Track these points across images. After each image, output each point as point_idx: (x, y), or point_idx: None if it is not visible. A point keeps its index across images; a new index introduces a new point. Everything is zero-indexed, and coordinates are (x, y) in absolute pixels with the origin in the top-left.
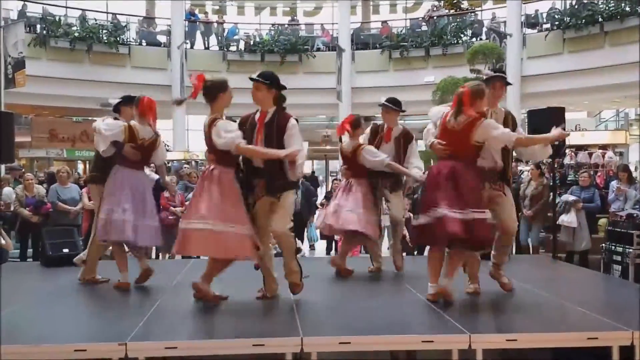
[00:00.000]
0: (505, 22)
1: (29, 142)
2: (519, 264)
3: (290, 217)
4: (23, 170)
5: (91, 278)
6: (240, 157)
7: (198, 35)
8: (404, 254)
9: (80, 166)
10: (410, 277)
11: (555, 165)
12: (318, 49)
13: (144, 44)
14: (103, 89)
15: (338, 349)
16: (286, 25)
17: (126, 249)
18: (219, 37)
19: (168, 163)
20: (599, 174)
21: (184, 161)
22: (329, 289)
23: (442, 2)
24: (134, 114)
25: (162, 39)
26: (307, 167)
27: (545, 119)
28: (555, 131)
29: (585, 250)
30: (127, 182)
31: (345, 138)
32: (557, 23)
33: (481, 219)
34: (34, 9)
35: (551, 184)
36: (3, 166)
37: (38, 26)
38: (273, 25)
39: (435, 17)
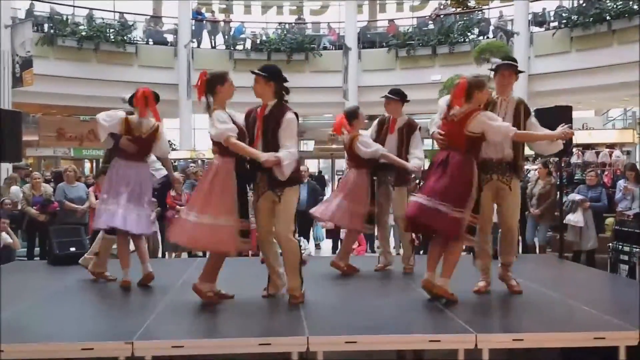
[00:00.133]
0: (512, 20)
1: (36, 141)
2: (525, 264)
3: (291, 220)
4: (30, 169)
5: (100, 272)
6: None
7: (205, 34)
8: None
9: (87, 165)
10: (416, 276)
11: (562, 164)
12: (325, 48)
13: (151, 42)
14: (110, 87)
15: (344, 349)
16: (293, 24)
17: (132, 247)
18: (226, 36)
19: (175, 162)
20: (606, 173)
21: (190, 160)
22: (335, 288)
23: (449, 0)
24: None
25: (169, 37)
26: (313, 166)
27: (552, 117)
28: (559, 129)
29: (592, 250)
30: (124, 174)
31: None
32: (564, 21)
33: (446, 212)
34: (42, 8)
35: (558, 183)
36: (10, 165)
37: (45, 25)
38: (280, 24)
39: (442, 16)
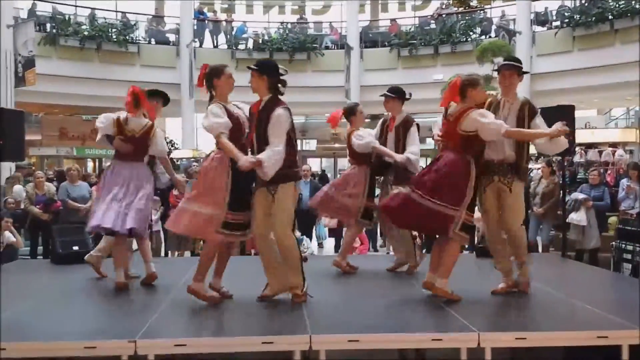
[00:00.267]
0: (514, 19)
1: (39, 140)
2: (528, 263)
3: (288, 217)
4: (33, 168)
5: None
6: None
7: (207, 33)
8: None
9: (90, 164)
10: (419, 275)
11: (565, 163)
12: (327, 47)
13: (153, 42)
14: (112, 87)
15: (346, 347)
16: (295, 24)
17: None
18: (228, 36)
19: (177, 161)
20: (609, 172)
21: (192, 159)
22: (338, 287)
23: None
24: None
25: (171, 37)
26: (315, 166)
27: (555, 116)
28: (554, 126)
29: (595, 249)
30: (118, 174)
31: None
32: (566, 21)
33: (436, 209)
34: (44, 8)
35: (561, 182)
36: (13, 164)
37: (48, 25)
38: (282, 23)
39: (444, 15)
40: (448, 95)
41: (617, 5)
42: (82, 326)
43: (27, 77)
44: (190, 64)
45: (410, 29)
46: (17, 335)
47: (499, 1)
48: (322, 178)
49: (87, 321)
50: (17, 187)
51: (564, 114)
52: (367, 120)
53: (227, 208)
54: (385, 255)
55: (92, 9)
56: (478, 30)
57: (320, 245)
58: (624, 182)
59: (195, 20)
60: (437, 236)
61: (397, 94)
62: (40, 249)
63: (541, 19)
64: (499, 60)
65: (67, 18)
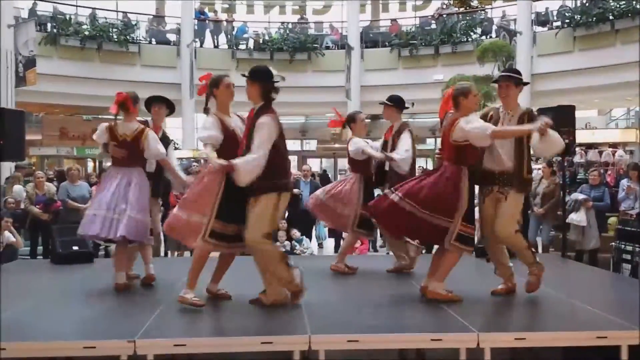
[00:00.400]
0: (515, 20)
1: (39, 140)
2: None
3: (264, 225)
4: (34, 168)
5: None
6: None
7: (207, 33)
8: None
9: (90, 164)
10: (418, 276)
11: (565, 164)
12: (327, 47)
13: (154, 42)
14: (113, 87)
15: (346, 347)
16: (295, 24)
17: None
18: (228, 36)
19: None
20: (609, 172)
21: (192, 159)
22: (337, 287)
23: (452, 0)
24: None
25: (171, 37)
26: (316, 166)
27: (555, 117)
28: (538, 121)
29: (595, 249)
30: (111, 179)
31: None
32: (567, 21)
33: (428, 221)
34: (45, 8)
35: (561, 182)
36: (13, 164)
37: (49, 25)
38: (282, 23)
39: (444, 15)
40: (443, 106)
41: (617, 6)
42: (82, 326)
43: (28, 76)
44: (190, 64)
45: (410, 29)
46: (17, 335)
47: (499, 1)
48: (324, 178)
49: (87, 321)
50: (17, 187)
51: (564, 114)
52: (367, 120)
53: (216, 216)
54: (385, 255)
55: (92, 8)
56: (479, 30)
57: (320, 245)
58: (624, 182)
59: (196, 20)
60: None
61: (393, 103)
62: (40, 249)
63: (542, 19)
64: (497, 73)
65: (67, 18)
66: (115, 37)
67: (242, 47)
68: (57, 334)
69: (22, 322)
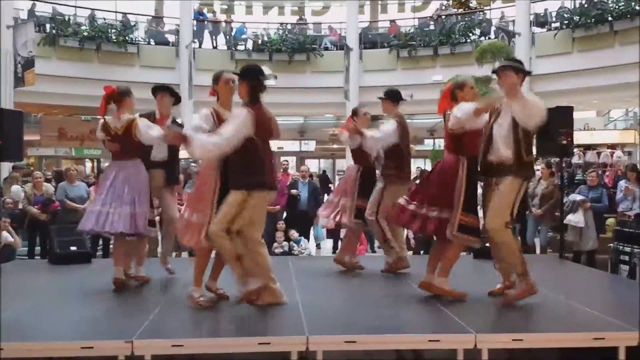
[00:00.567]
0: (514, 21)
1: (37, 140)
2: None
3: (226, 220)
4: (32, 168)
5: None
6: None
7: (206, 34)
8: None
9: (88, 164)
10: (416, 276)
11: (564, 165)
12: (326, 48)
13: (153, 43)
14: None
15: (343, 348)
16: (294, 25)
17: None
18: (227, 37)
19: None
20: (607, 173)
21: (191, 160)
22: (335, 288)
23: (451, 1)
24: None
25: (170, 38)
26: (314, 166)
27: (554, 118)
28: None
29: (593, 250)
30: (110, 175)
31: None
32: (566, 22)
33: (431, 216)
34: (44, 9)
35: (559, 183)
36: (10, 164)
37: (47, 25)
38: (281, 24)
39: (443, 16)
40: (441, 103)
41: (616, 7)
42: (79, 326)
43: (27, 77)
44: (189, 64)
45: (409, 30)
46: (15, 335)
47: (498, 2)
48: (323, 179)
49: (84, 321)
50: (15, 187)
51: (562, 115)
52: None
53: (216, 214)
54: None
55: (91, 9)
56: (477, 31)
57: (318, 246)
58: (622, 183)
59: (195, 21)
60: (435, 239)
61: (388, 96)
62: (38, 249)
63: (540, 20)
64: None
65: (66, 19)
66: (114, 37)
67: (241, 47)
68: (55, 334)
69: (20, 322)
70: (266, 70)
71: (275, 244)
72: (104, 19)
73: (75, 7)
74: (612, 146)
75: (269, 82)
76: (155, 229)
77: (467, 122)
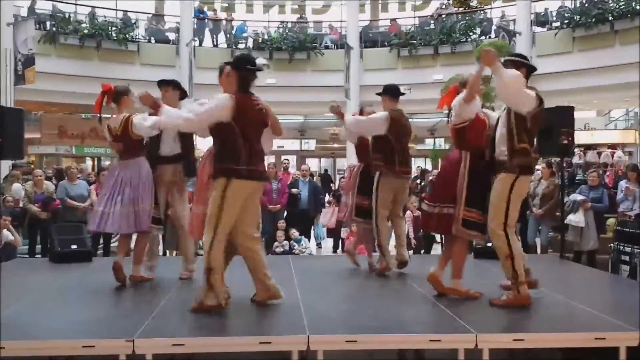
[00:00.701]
0: (514, 20)
1: (38, 138)
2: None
3: (212, 212)
4: (32, 166)
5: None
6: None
7: (207, 32)
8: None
9: (89, 163)
10: (417, 276)
11: (564, 165)
12: (326, 47)
13: (153, 41)
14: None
15: (344, 348)
16: (295, 23)
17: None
18: (228, 35)
19: None
20: (607, 173)
21: None
22: (336, 287)
23: (451, 0)
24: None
25: (171, 36)
26: (314, 165)
27: (554, 118)
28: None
29: (593, 250)
30: (112, 174)
31: None
32: (566, 21)
33: (437, 212)
34: (44, 6)
35: (560, 183)
36: (10, 163)
37: (48, 23)
38: (281, 22)
39: (444, 15)
40: (444, 99)
41: (617, 7)
42: (80, 325)
43: (27, 75)
44: (190, 63)
45: (410, 29)
46: (16, 334)
47: (499, 1)
48: (325, 178)
49: (85, 320)
50: (16, 186)
51: (563, 115)
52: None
53: None
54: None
55: (92, 7)
56: (478, 30)
57: (318, 245)
58: (623, 183)
59: (195, 19)
60: (444, 237)
61: (386, 92)
62: (38, 247)
63: (541, 20)
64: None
65: (67, 16)
66: (114, 35)
67: (242, 46)
68: (56, 332)
69: (21, 320)
70: (260, 60)
71: (275, 243)
72: (104, 17)
73: (76, 4)
74: (613, 146)
75: (269, 81)
76: (159, 226)
77: (462, 111)
